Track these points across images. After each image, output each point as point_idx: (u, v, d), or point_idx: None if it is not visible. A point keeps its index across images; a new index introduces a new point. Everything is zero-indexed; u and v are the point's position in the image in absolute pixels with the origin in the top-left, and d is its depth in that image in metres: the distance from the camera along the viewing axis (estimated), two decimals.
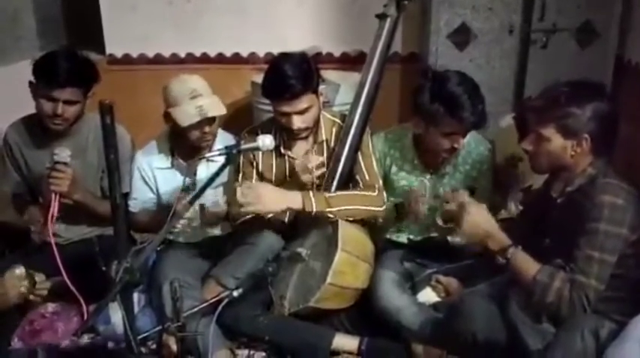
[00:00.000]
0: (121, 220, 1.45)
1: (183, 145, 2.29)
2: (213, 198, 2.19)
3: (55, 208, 1.97)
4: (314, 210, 2.08)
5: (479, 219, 1.77)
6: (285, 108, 2.12)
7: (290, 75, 2.06)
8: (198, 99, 2.16)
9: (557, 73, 3.11)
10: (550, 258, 1.71)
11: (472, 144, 2.26)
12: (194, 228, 2.30)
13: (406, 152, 2.28)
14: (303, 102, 2.11)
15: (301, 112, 2.13)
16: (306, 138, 2.25)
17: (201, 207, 2.16)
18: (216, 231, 2.31)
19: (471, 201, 1.82)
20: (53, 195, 2.00)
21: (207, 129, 2.20)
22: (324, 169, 2.21)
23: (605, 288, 1.64)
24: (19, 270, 1.78)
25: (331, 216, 2.11)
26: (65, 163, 2.06)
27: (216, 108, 2.18)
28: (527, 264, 1.71)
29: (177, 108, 2.17)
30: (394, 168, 2.30)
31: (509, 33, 3.22)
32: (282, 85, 2.08)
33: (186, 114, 2.14)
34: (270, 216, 2.12)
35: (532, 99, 1.91)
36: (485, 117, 2.08)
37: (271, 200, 2.04)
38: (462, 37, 3.23)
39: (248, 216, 2.13)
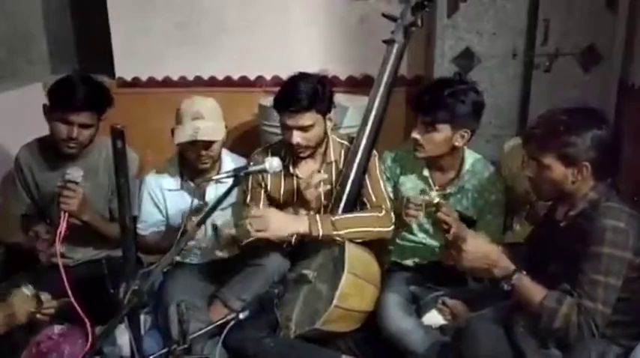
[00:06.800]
0: (130, 243, 1.47)
1: (192, 167, 2.31)
2: (223, 218, 2.21)
3: (63, 227, 1.96)
4: (320, 233, 2.09)
5: (479, 250, 1.76)
6: (288, 121, 2.16)
7: (300, 90, 2.12)
8: (199, 122, 2.19)
9: (561, 96, 3.15)
10: (556, 283, 1.70)
11: (476, 166, 2.28)
12: (203, 249, 2.31)
13: (416, 165, 2.31)
14: (305, 119, 2.14)
15: (302, 129, 2.16)
16: (310, 157, 2.27)
17: (214, 227, 2.17)
18: (223, 254, 2.31)
19: (468, 235, 1.80)
20: (62, 214, 2.00)
21: (202, 151, 2.22)
22: (328, 186, 2.22)
23: (611, 312, 1.64)
24: (28, 290, 1.79)
25: (338, 238, 2.12)
26: (76, 183, 2.07)
27: (211, 133, 2.20)
28: (533, 290, 1.70)
29: (179, 126, 2.23)
30: (402, 178, 2.34)
31: (512, 57, 3.25)
32: (289, 98, 2.13)
33: (182, 134, 2.19)
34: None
35: (531, 127, 1.91)
36: (437, 108, 2.12)
37: (278, 225, 2.06)
38: (466, 61, 3.27)
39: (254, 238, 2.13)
